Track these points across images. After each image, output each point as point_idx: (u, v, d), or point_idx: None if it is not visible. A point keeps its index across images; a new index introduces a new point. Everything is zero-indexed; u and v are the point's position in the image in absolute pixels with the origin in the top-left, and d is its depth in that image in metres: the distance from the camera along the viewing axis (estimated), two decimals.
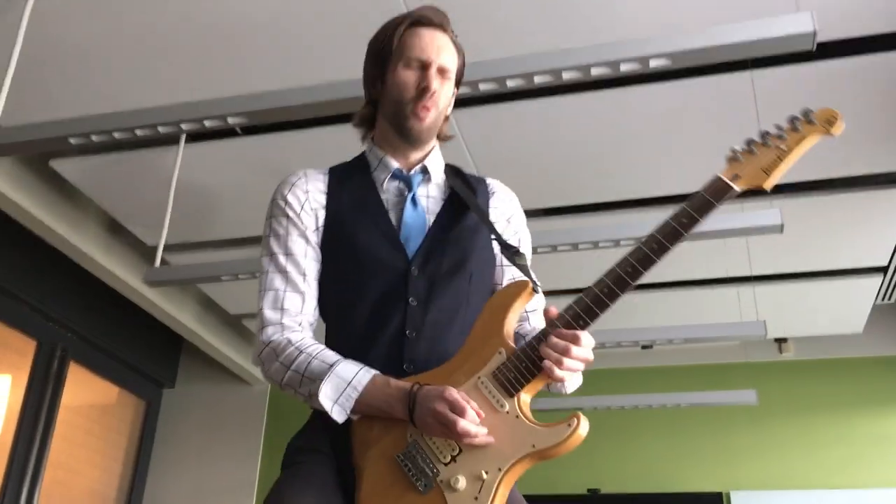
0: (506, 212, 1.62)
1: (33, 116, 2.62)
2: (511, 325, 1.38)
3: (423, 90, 1.48)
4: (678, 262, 4.06)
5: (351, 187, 1.54)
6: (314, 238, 1.50)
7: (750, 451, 4.91)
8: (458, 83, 1.60)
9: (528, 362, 1.31)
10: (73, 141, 2.13)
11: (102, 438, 5.16)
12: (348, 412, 1.36)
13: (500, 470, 1.27)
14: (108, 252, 4.08)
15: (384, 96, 1.54)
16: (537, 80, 1.87)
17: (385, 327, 1.44)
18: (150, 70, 2.80)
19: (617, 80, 2.91)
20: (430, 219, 1.53)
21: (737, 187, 1.32)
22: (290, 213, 1.50)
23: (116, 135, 2.11)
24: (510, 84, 1.88)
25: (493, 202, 1.60)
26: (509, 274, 1.58)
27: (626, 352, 5.22)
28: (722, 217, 2.77)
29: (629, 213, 3.56)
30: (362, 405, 1.36)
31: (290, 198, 1.51)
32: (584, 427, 1.28)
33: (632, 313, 4.58)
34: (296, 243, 1.49)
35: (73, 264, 4.08)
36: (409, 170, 1.55)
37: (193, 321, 4.81)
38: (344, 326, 1.49)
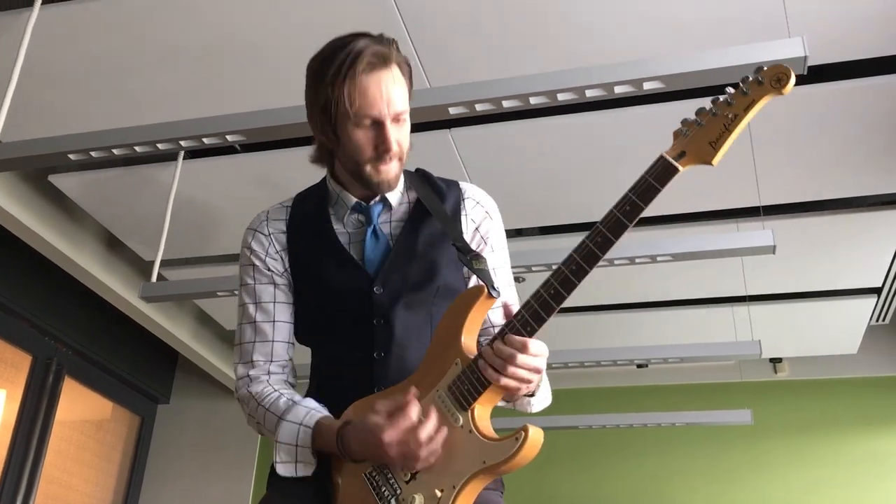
0: (476, 216, 1.56)
1: (33, 132, 2.64)
2: (470, 333, 1.33)
3: (382, 151, 1.41)
4: (673, 281, 4.09)
5: (309, 222, 1.55)
6: (283, 280, 1.53)
7: (745, 470, 4.91)
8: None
9: (480, 374, 1.27)
10: (72, 157, 2.15)
11: (96, 453, 5.14)
12: (314, 463, 1.38)
13: (454, 487, 1.24)
14: (106, 267, 4.09)
15: (339, 148, 1.46)
16: (533, 101, 1.89)
17: (354, 350, 1.46)
18: (149, 87, 2.82)
19: (613, 100, 2.94)
20: (392, 240, 1.51)
21: (681, 167, 1.22)
22: (257, 262, 1.54)
23: (116, 151, 2.13)
24: (506, 105, 1.90)
25: (466, 207, 1.56)
26: (475, 281, 1.53)
27: (621, 371, 5.23)
28: (715, 237, 2.79)
29: (627, 231, 3.58)
30: (322, 452, 1.39)
31: (254, 245, 1.55)
32: (533, 440, 1.22)
33: (627, 332, 4.60)
34: (264, 290, 1.52)
35: (70, 279, 4.08)
36: (369, 200, 1.52)
37: (189, 336, 4.82)
38: (321, 354, 1.55)
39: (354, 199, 1.52)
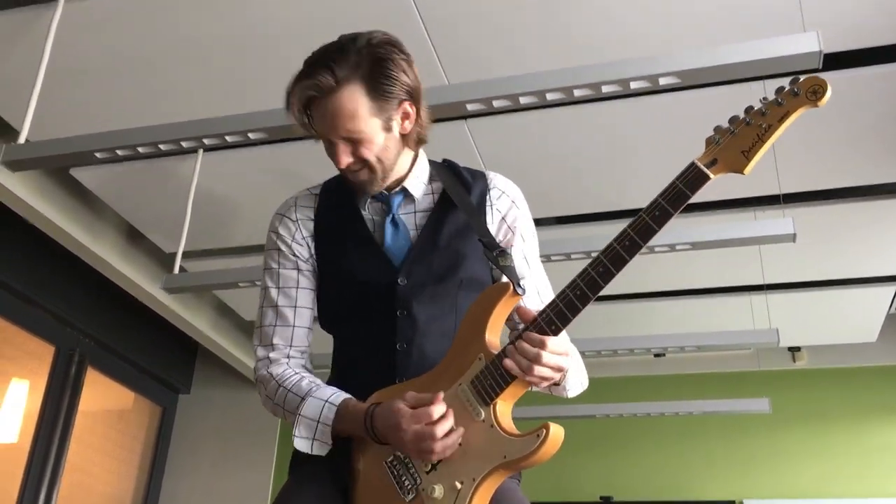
0: (502, 206, 1.57)
1: (58, 130, 2.67)
2: (494, 329, 1.35)
3: (341, 168, 1.47)
4: (691, 270, 4.09)
5: (337, 210, 1.57)
6: (307, 266, 1.55)
7: (763, 459, 4.91)
8: (404, 95, 1.47)
9: (504, 370, 1.28)
10: (99, 155, 2.19)
11: (119, 443, 5.21)
12: (329, 443, 1.41)
13: (474, 480, 1.26)
14: (127, 259, 4.14)
15: None
16: (549, 97, 1.90)
17: (376, 341, 1.48)
18: (173, 82, 2.84)
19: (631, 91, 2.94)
20: (415, 231, 1.52)
21: (712, 175, 1.21)
22: (283, 247, 1.56)
23: (140, 149, 2.16)
24: (523, 101, 1.91)
25: (491, 198, 1.56)
26: (530, 273, 1.55)
27: (639, 360, 5.23)
28: (734, 226, 2.80)
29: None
30: (340, 433, 1.41)
31: (281, 231, 1.57)
32: (554, 437, 1.24)
33: (645, 322, 4.60)
34: (288, 275, 1.54)
35: (92, 271, 4.13)
36: (390, 191, 1.54)
37: (209, 327, 4.86)
38: (343, 342, 1.56)
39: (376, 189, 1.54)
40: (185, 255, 4.00)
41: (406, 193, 1.55)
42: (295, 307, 1.53)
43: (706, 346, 3.69)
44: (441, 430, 1.27)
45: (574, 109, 2.97)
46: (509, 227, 1.55)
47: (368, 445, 1.40)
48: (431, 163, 1.61)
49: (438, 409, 1.30)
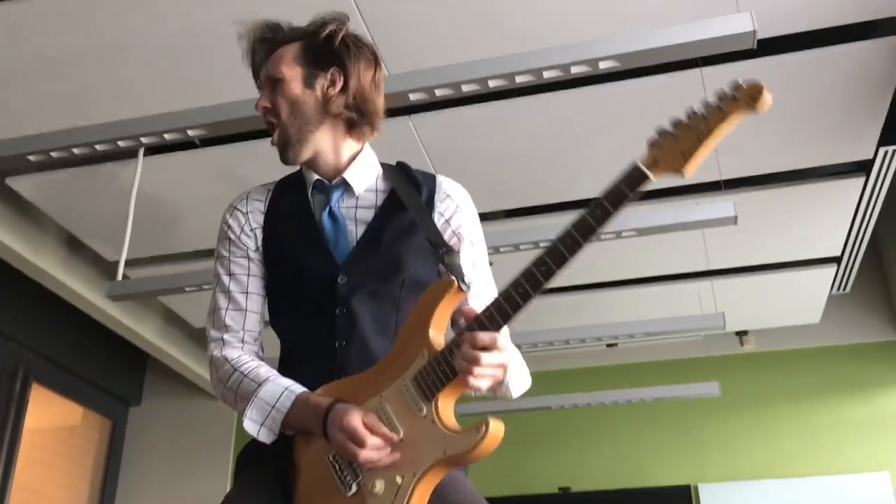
0: (447, 210, 1.56)
1: None
2: (438, 325, 1.35)
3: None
4: (639, 259, 4.14)
5: (287, 202, 1.58)
6: (256, 256, 1.56)
7: (716, 443, 4.99)
8: (333, 60, 1.54)
9: (446, 366, 1.29)
10: (32, 158, 2.13)
11: (69, 459, 5.09)
12: (276, 432, 1.41)
13: (414, 475, 1.27)
14: (68, 269, 4.04)
15: None
16: (492, 84, 1.91)
17: (317, 339, 1.48)
18: (104, 82, 2.78)
19: (570, 81, 2.96)
20: (361, 228, 1.51)
21: (653, 176, 1.21)
22: (232, 236, 1.58)
23: (76, 150, 2.11)
24: (465, 89, 1.91)
25: (437, 200, 1.56)
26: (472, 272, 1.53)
27: (592, 351, 5.28)
28: (676, 211, 2.84)
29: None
30: (289, 425, 1.41)
31: (231, 221, 1.59)
32: (494, 432, 1.24)
33: (594, 312, 4.65)
34: (238, 264, 1.55)
35: (33, 283, 4.03)
36: (331, 180, 1.55)
37: (157, 337, 4.78)
38: (287, 336, 1.56)
39: (316, 177, 1.56)
40: (130, 262, 3.93)
41: (347, 187, 1.54)
42: (246, 293, 1.54)
43: (655, 332, 3.74)
44: (372, 440, 1.29)
45: (518, 102, 2.99)
46: (454, 232, 1.55)
47: (313, 441, 1.39)
48: (384, 165, 1.62)
49: (369, 435, 1.30)
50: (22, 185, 3.43)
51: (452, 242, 1.53)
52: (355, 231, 1.51)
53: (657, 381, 4.99)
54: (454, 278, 1.35)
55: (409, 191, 1.54)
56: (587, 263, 4.18)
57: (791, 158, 3.37)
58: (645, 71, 2.87)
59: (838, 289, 4.92)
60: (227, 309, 1.53)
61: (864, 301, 5.12)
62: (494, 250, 2.95)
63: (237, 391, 1.44)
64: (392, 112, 3.00)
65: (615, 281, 4.43)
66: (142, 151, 2.93)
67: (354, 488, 1.31)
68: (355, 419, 1.30)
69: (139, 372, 5.79)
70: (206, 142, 3.23)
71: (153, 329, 4.75)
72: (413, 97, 1.93)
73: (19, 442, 4.52)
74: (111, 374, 5.42)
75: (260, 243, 1.56)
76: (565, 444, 5.13)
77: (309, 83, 1.53)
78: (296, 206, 1.56)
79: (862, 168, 3.48)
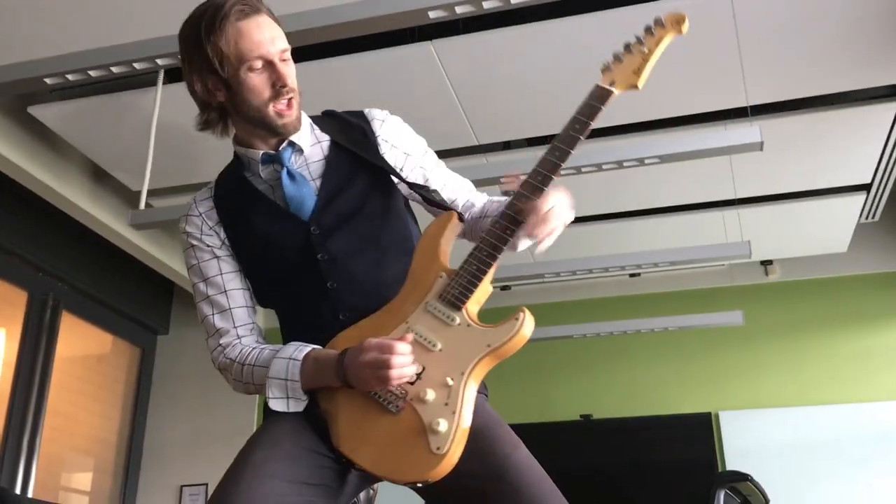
0: (388, 134, 1.60)
1: (5, 59, 2.58)
2: (446, 252, 1.48)
3: (280, 88, 1.46)
4: (664, 188, 4.09)
5: (231, 190, 1.58)
6: (224, 252, 1.57)
7: (737, 372, 5.00)
8: None
9: (474, 272, 1.40)
10: (48, 81, 2.11)
11: (99, 386, 5.21)
12: (304, 398, 1.43)
13: (462, 373, 1.35)
14: (94, 199, 4.08)
15: (235, 102, 1.49)
16: (514, 0, 1.86)
17: (309, 288, 1.51)
18: (125, 5, 2.76)
19: (595, 3, 2.90)
20: (318, 181, 1.54)
21: (615, 90, 1.49)
22: (194, 242, 1.57)
23: (92, 73, 2.09)
24: (486, 6, 1.86)
25: (374, 129, 1.60)
26: (435, 179, 1.63)
27: (615, 280, 5.27)
28: (702, 137, 2.79)
29: (611, 139, 3.58)
30: (309, 385, 1.43)
31: (189, 228, 1.58)
32: (530, 320, 1.38)
33: (619, 241, 4.62)
34: (209, 266, 1.56)
35: (60, 213, 4.07)
36: (276, 149, 1.54)
37: (183, 266, 4.82)
38: (281, 305, 1.59)
39: (261, 152, 1.53)
40: (154, 192, 3.96)
41: (294, 147, 1.55)
42: (225, 291, 1.55)
43: (679, 261, 3.71)
44: (398, 359, 1.32)
45: (539, 26, 2.93)
46: (401, 151, 1.61)
47: (338, 387, 1.42)
48: (313, 118, 1.62)
49: (397, 341, 1.35)
50: (44, 114, 3.43)
51: (405, 161, 1.60)
52: (314, 185, 1.54)
53: (680, 310, 4.98)
54: (453, 211, 1.50)
55: (345, 132, 1.59)
56: (610, 192, 4.16)
57: (821, 83, 3.29)
58: None
59: (867, 217, 4.85)
60: (213, 314, 1.54)
61: (893, 229, 5.05)
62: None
63: (255, 382, 1.48)
64: (413, 36, 2.98)
65: (639, 210, 4.39)
66: (161, 77, 2.91)
67: (402, 405, 1.35)
68: (367, 348, 1.35)
69: (166, 301, 5.87)
70: None
71: (179, 259, 4.80)
72: (433, 14, 1.88)
73: (51, 369, 4.63)
74: (139, 303, 5.50)
75: (224, 237, 1.57)
76: (587, 373, 5.17)
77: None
78: (240, 189, 1.57)
79: (895, 93, 3.39)
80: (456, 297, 1.40)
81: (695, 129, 3.51)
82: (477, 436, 1.36)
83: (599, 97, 1.48)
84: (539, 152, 3.79)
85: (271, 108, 1.47)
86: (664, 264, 3.76)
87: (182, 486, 5.35)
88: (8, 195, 4.09)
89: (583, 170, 2.87)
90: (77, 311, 4.95)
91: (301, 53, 3.02)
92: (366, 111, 1.63)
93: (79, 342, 5.06)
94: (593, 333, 4.55)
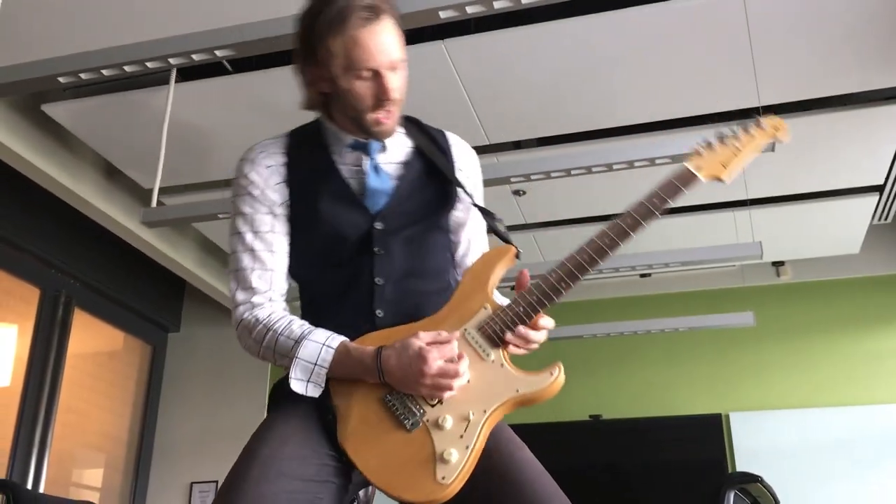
0: (465, 167, 1.64)
1: (20, 57, 2.60)
2: (493, 284, 1.48)
3: (383, 100, 1.45)
4: None
5: (309, 159, 1.55)
6: (281, 212, 1.53)
7: (748, 373, 4.99)
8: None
9: (514, 316, 1.40)
10: (62, 80, 2.13)
11: (111, 383, 5.24)
12: (322, 385, 1.42)
13: (485, 412, 1.36)
14: (106, 197, 4.10)
15: (337, 98, 1.49)
16: (524, 0, 1.85)
17: (355, 278, 1.50)
18: (137, 5, 2.78)
19: (607, 3, 2.89)
20: (394, 181, 1.55)
21: (700, 176, 1.49)
22: (255, 192, 1.52)
23: (105, 72, 2.10)
24: (497, 6, 1.86)
25: (455, 157, 1.63)
26: (472, 225, 1.64)
27: (625, 281, 5.26)
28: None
29: (622, 139, 3.57)
30: (334, 374, 1.42)
31: (252, 176, 1.53)
32: (562, 377, 1.39)
33: (630, 242, 4.60)
34: (263, 221, 1.52)
35: (72, 210, 4.09)
36: (366, 139, 1.54)
37: (194, 264, 4.85)
38: (315, 287, 1.56)
39: (352, 138, 1.54)
40: (166, 190, 3.98)
41: (381, 143, 1.55)
42: (272, 251, 1.51)
43: (690, 262, 3.70)
44: (462, 367, 1.36)
45: (550, 26, 2.93)
46: (471, 182, 1.63)
47: (358, 385, 1.42)
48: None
49: (456, 344, 1.39)
50: (58, 111, 3.45)
51: (472, 191, 1.62)
52: (392, 183, 1.55)
53: (691, 311, 4.97)
54: (516, 247, 1.51)
55: (428, 144, 1.60)
56: (621, 193, 4.14)
57: (834, 84, 3.27)
58: None
59: (880, 218, 4.83)
60: (253, 269, 1.50)
61: None
62: (526, 178, 2.92)
63: (275, 349, 1.45)
64: (424, 36, 2.98)
65: None
66: (173, 76, 2.93)
67: (417, 425, 1.36)
68: (416, 342, 1.36)
69: (178, 299, 5.90)
70: (238, 67, 3.22)
71: (190, 257, 4.82)
72: (444, 14, 1.88)
73: (63, 366, 4.66)
74: (150, 300, 5.53)
75: (287, 198, 1.53)
76: (597, 373, 5.16)
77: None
78: (320, 163, 1.55)
79: None
80: (496, 333, 1.40)
81: (707, 130, 3.50)
82: None
83: (683, 179, 1.49)
84: (549, 152, 3.80)
85: (370, 116, 1.47)
86: (675, 264, 3.74)
87: (192, 483, 5.38)
88: (21, 192, 4.11)
89: (593, 170, 2.86)
90: (89, 308, 4.98)
91: None
92: (447, 133, 1.66)
93: (90, 339, 5.09)
94: (603, 334, 4.54)
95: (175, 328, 5.85)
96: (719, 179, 1.51)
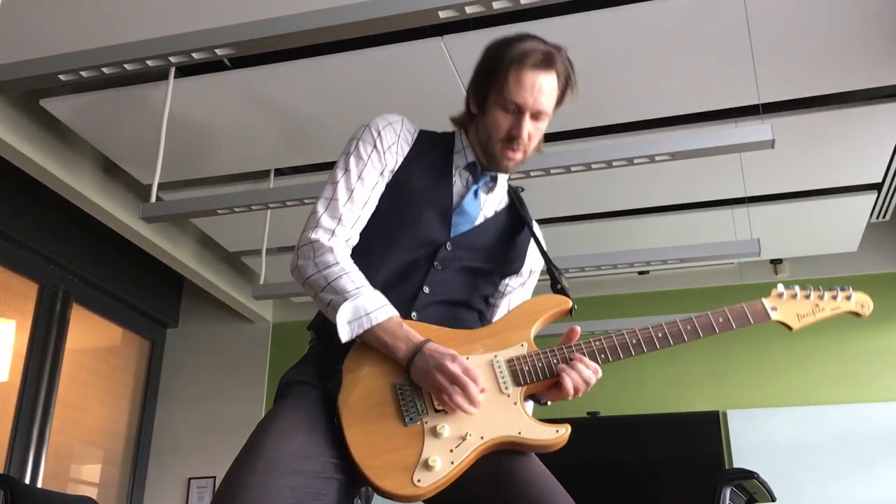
0: (539, 234, 1.74)
1: (21, 54, 2.60)
2: (538, 328, 1.51)
3: (512, 137, 1.56)
4: (674, 185, 4.08)
5: (431, 154, 1.65)
6: (388, 177, 1.60)
7: (746, 370, 4.99)
8: (559, 103, 1.65)
9: (546, 367, 1.44)
10: (62, 77, 2.13)
11: (109, 378, 5.24)
12: (354, 336, 1.44)
13: (482, 438, 1.37)
14: (105, 192, 4.09)
15: (480, 119, 1.62)
16: (524, 0, 1.86)
17: (406, 278, 1.56)
18: (139, 4, 2.77)
19: (608, 0, 2.89)
20: (482, 217, 1.64)
21: (773, 317, 1.54)
22: (379, 146, 1.60)
23: (106, 70, 2.10)
24: (496, 6, 1.87)
25: (535, 229, 1.73)
26: (516, 294, 1.72)
27: (624, 278, 5.27)
28: (714, 134, 2.78)
29: (621, 136, 3.57)
30: (369, 335, 1.45)
31: (385, 133, 1.61)
32: (566, 437, 1.41)
33: (628, 239, 4.61)
34: (371, 173, 1.58)
35: (71, 206, 4.09)
36: (483, 169, 1.64)
37: (193, 260, 4.85)
38: (371, 264, 1.57)
39: (473, 159, 1.65)
40: (164, 186, 3.97)
41: (494, 179, 1.67)
42: (366, 203, 1.57)
43: (689, 259, 3.70)
44: (474, 388, 1.37)
45: (551, 22, 2.93)
46: (536, 259, 1.74)
47: (378, 361, 1.44)
48: None
49: (479, 376, 1.41)
50: (56, 106, 3.45)
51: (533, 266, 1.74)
52: (480, 215, 1.64)
53: (689, 308, 4.95)
54: (573, 303, 1.56)
55: (523, 204, 1.73)
56: (621, 189, 4.15)
57: (833, 81, 3.27)
58: None
59: (878, 216, 4.83)
60: (346, 202, 1.55)
61: None
62: (525, 175, 2.93)
63: (331, 282, 1.46)
64: (423, 32, 2.98)
65: (649, 207, 4.38)
66: (172, 72, 2.92)
67: (415, 422, 1.38)
68: (463, 360, 1.40)
69: (176, 295, 5.90)
70: (237, 63, 3.22)
71: (189, 253, 4.82)
72: (443, 14, 1.88)
73: (61, 361, 4.66)
74: (149, 296, 5.53)
75: (397, 168, 1.60)
76: None
77: (559, 103, 1.64)
78: (438, 161, 1.64)
79: None
80: (523, 373, 1.43)
81: (706, 127, 3.50)
82: None
83: (756, 313, 1.53)
84: (548, 149, 3.78)
85: (498, 147, 1.58)
86: (673, 262, 3.74)
87: (190, 479, 5.39)
88: (19, 187, 4.11)
89: (593, 166, 2.86)
90: (87, 303, 4.98)
91: (312, 48, 3.04)
92: (534, 221, 1.76)
93: (89, 334, 5.09)
94: (601, 331, 4.54)
95: (174, 324, 5.85)
96: (788, 327, 1.55)
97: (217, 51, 2.08)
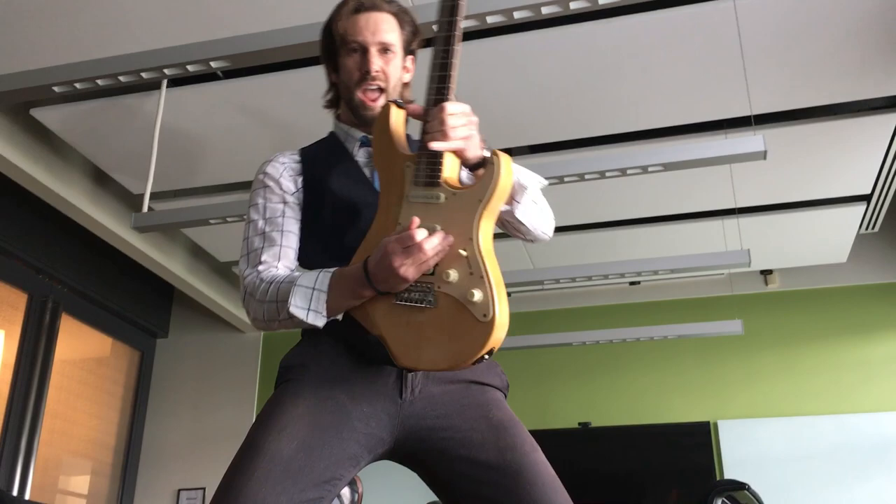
0: None
1: (14, 65, 2.59)
2: (400, 142, 1.48)
3: (364, 73, 1.57)
4: (665, 196, 4.10)
5: (324, 154, 1.65)
6: (294, 200, 1.60)
7: (737, 381, 5.01)
8: (412, 51, 1.67)
9: (432, 153, 1.41)
10: (56, 89, 2.12)
11: (99, 388, 5.21)
12: (325, 314, 1.44)
13: (471, 240, 1.36)
14: (96, 202, 4.08)
15: (340, 83, 1.64)
16: (517, 15, 1.86)
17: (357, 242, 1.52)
18: (129, 13, 2.77)
19: (598, 12, 2.90)
20: None
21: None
22: (270, 182, 1.61)
23: (100, 82, 2.10)
24: (490, 21, 1.87)
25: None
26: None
27: (615, 289, 5.28)
28: (706, 145, 2.79)
29: (614, 147, 3.59)
30: (334, 303, 1.44)
31: (268, 170, 1.62)
32: (505, 160, 1.37)
33: (619, 250, 4.63)
34: (275, 208, 1.59)
35: (60, 215, 4.07)
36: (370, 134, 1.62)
37: (183, 270, 4.83)
38: (334, 257, 1.55)
39: (362, 134, 1.63)
40: (156, 196, 3.96)
41: None
42: (282, 231, 1.57)
43: (679, 269, 3.70)
44: (419, 233, 1.35)
45: (542, 34, 2.94)
46: None
47: (374, 307, 1.43)
48: None
49: (418, 229, 1.37)
50: (47, 116, 3.43)
51: None
52: None
53: (680, 319, 4.99)
54: (389, 103, 1.49)
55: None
56: (612, 199, 4.17)
57: (823, 93, 3.29)
58: (676, 1, 2.82)
59: (867, 228, 4.86)
60: (262, 248, 1.56)
61: (892, 240, 5.06)
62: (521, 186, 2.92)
63: (277, 298, 1.47)
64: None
65: (640, 218, 4.40)
66: (165, 83, 2.92)
67: (431, 299, 1.38)
68: (389, 238, 1.38)
69: (166, 305, 5.88)
70: (229, 73, 3.21)
71: (179, 263, 4.80)
72: (436, 28, 1.88)
73: (50, 371, 4.63)
74: (139, 306, 5.50)
75: (300, 185, 1.61)
76: (586, 380, 5.17)
77: (403, 64, 1.64)
78: (333, 156, 1.64)
79: (895, 104, 3.40)
80: (429, 176, 1.41)
81: (697, 138, 3.52)
82: (499, 430, 1.42)
83: None
84: (540, 159, 3.80)
85: (358, 94, 1.58)
86: (664, 272, 3.75)
87: (179, 490, 5.36)
88: (9, 197, 4.09)
89: (586, 177, 2.87)
90: (77, 313, 4.96)
91: (303, 58, 3.04)
92: None
93: (78, 345, 5.07)
94: (592, 341, 4.55)
95: (163, 334, 5.83)
96: None
97: (212, 63, 2.07)
